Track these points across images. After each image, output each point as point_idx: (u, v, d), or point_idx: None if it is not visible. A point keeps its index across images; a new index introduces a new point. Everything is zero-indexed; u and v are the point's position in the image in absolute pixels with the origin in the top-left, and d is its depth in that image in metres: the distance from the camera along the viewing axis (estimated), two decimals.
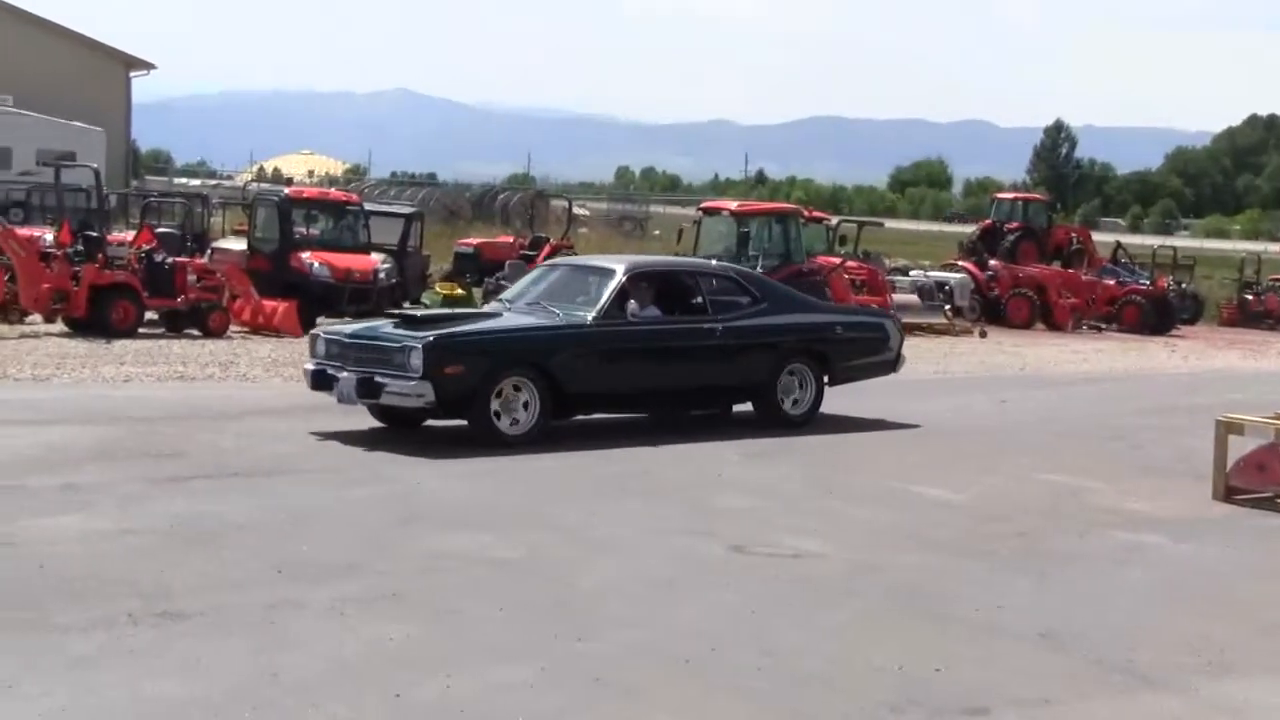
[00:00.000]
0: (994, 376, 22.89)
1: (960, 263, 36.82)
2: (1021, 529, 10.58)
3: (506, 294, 15.19)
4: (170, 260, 22.60)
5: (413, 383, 12.33)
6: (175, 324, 22.10)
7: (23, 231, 23.42)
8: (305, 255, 24.06)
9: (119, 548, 8.64)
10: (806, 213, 32.49)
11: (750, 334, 14.54)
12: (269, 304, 22.50)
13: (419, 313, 13.77)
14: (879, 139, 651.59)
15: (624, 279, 13.84)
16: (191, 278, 22.48)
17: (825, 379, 15.15)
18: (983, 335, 30.82)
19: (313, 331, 14.15)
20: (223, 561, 8.44)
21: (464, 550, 8.99)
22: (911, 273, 35.26)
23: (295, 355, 18.14)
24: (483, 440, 12.55)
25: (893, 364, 16.19)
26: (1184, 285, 40.94)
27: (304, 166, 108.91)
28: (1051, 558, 9.73)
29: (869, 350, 15.91)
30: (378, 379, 12.51)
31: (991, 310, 34.48)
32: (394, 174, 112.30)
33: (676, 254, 26.57)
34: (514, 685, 6.51)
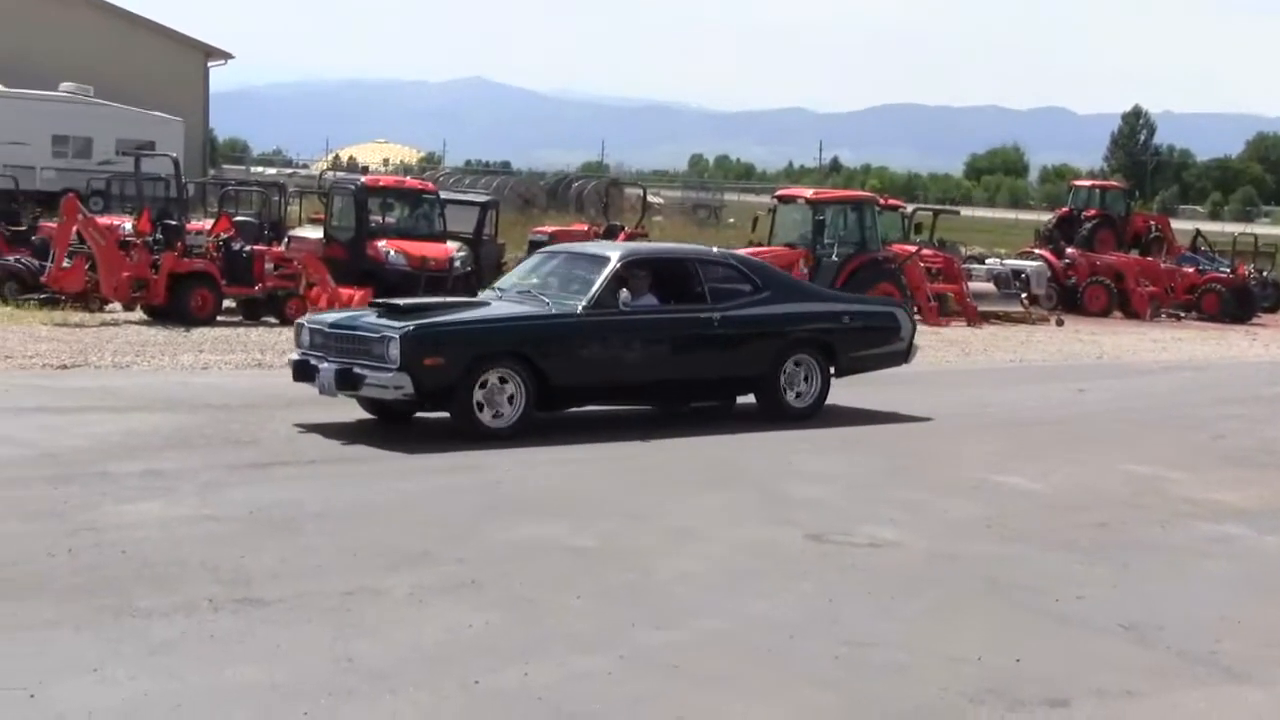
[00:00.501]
0: (1071, 365, 22.67)
1: (1037, 250, 36.53)
2: (1102, 519, 10.46)
3: (501, 281, 14.82)
4: (248, 248, 22.80)
5: (390, 374, 12.00)
6: (253, 312, 22.29)
7: (103, 220, 23.69)
8: (381, 243, 24.17)
9: (199, 534, 8.71)
10: (882, 200, 32.31)
11: (750, 323, 14.00)
12: (345, 292, 22.58)
13: (402, 302, 13.39)
14: (955, 126, 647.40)
15: (618, 266, 13.41)
16: (269, 266, 22.65)
17: (832, 370, 14.61)
18: (1059, 324, 30.56)
19: (298, 320, 13.87)
20: (301, 548, 8.50)
21: (541, 539, 9.01)
22: (987, 261, 35.02)
23: None
24: (464, 433, 12.21)
25: (904, 354, 15.52)
26: (1265, 273, 40.39)
27: (379, 155, 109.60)
28: (1133, 548, 9.62)
29: (879, 340, 15.24)
30: (357, 370, 12.17)
31: (1069, 298, 34.16)
32: (468, 162, 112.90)
33: (751, 243, 26.49)
34: (592, 673, 6.51)
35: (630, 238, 30.39)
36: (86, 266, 21.50)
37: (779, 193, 29.56)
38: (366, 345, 12.28)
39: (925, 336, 24.95)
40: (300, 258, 23.45)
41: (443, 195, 27.79)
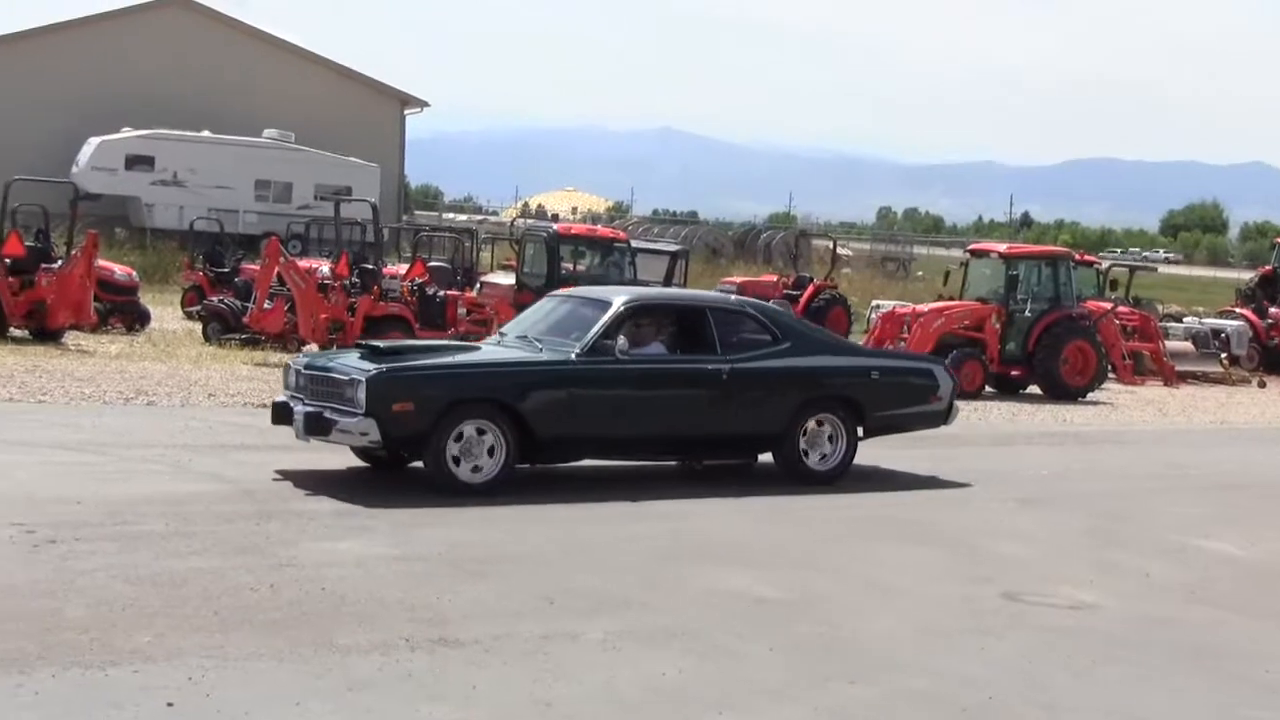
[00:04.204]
0: (1276, 428, 21.99)
1: (1238, 310, 35.60)
2: None
3: (507, 325, 14.09)
4: (441, 293, 23.19)
5: (356, 419, 11.28)
6: None
7: (302, 263, 24.26)
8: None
9: (394, 573, 8.81)
10: (1077, 256, 31.74)
11: (765, 377, 12.89)
12: None
13: (383, 343, 12.81)
14: (1151, 181, 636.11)
15: (620, 312, 12.54)
16: (461, 311, 23.03)
17: (859, 430, 13.41)
18: (1262, 385, 29.73)
19: (286, 361, 13.34)
20: (496, 590, 8.55)
21: (734, 588, 8.96)
22: (1185, 319, 34.23)
23: None
24: (439, 487, 11.36)
25: (944, 415, 14.09)
26: None
27: (568, 203, 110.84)
28: None
29: (912, 399, 13.92)
30: (327, 415, 11.45)
31: (1271, 360, 33.23)
32: (656, 211, 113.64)
33: (941, 296, 26.20)
34: None
35: (819, 290, 30.36)
36: (286, 308, 22.03)
37: (971, 247, 29.21)
38: (338, 388, 11.57)
39: (1120, 396, 24.51)
40: (492, 303, 23.82)
41: (633, 244, 28.00)
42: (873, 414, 13.46)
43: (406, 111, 58.31)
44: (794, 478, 12.94)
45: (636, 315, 12.86)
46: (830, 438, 13.17)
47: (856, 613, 8.57)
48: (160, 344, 22.32)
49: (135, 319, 25.11)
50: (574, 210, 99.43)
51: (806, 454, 13.08)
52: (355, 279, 22.26)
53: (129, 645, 6.91)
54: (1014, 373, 24.08)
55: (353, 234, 30.69)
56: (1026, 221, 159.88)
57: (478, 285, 27.36)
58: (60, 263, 22.07)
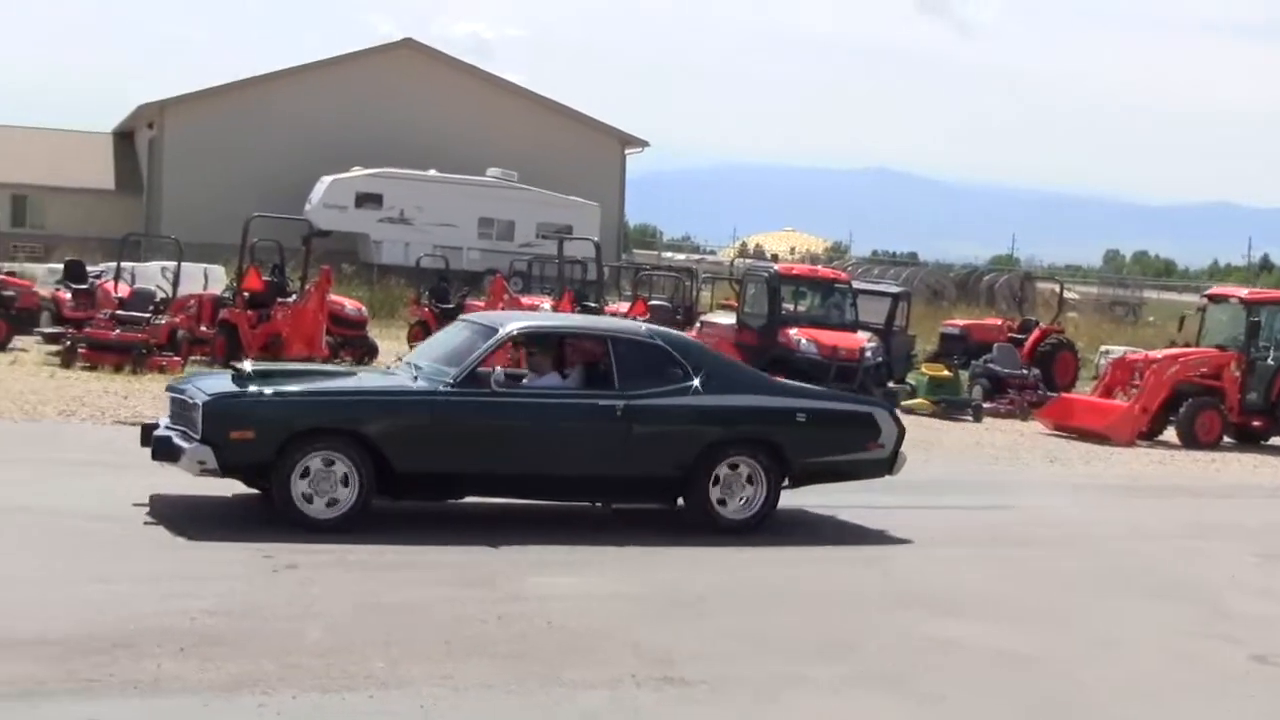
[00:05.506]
0: None
1: None
2: None
3: (410, 352, 13.01)
4: None
5: (194, 446, 10.48)
6: None
7: (525, 300, 24.59)
8: (793, 331, 24.27)
9: (616, 609, 8.85)
10: None
11: (665, 415, 11.61)
12: None
13: (249, 366, 11.80)
14: None
15: (504, 339, 11.68)
16: None
17: (785, 478, 12.02)
18: None
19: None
20: (716, 630, 8.52)
21: (958, 636, 8.76)
22: None
23: None
24: (289, 522, 10.44)
25: (887, 464, 12.52)
26: None
27: (786, 243, 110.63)
28: None
29: (849, 445, 12.42)
30: (176, 440, 10.68)
31: None
32: (875, 252, 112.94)
33: (1174, 343, 25.41)
34: None
35: (1045, 334, 29.75)
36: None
37: (1210, 291, 28.25)
38: (187, 411, 10.84)
39: None
40: (712, 343, 23.74)
41: (854, 285, 27.77)
42: (799, 459, 12.06)
43: (627, 151, 58.83)
44: (704, 525, 11.64)
45: (528, 343, 12.24)
46: (748, 484, 11.82)
47: (1090, 667, 8.31)
48: None
49: (364, 352, 25.66)
50: (792, 250, 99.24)
51: (720, 501, 11.75)
52: None
53: (364, 671, 7.03)
54: (1255, 424, 23.19)
55: (574, 272, 31.04)
56: (1266, 265, 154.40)
57: (698, 324, 27.37)
58: (294, 297, 22.69)
